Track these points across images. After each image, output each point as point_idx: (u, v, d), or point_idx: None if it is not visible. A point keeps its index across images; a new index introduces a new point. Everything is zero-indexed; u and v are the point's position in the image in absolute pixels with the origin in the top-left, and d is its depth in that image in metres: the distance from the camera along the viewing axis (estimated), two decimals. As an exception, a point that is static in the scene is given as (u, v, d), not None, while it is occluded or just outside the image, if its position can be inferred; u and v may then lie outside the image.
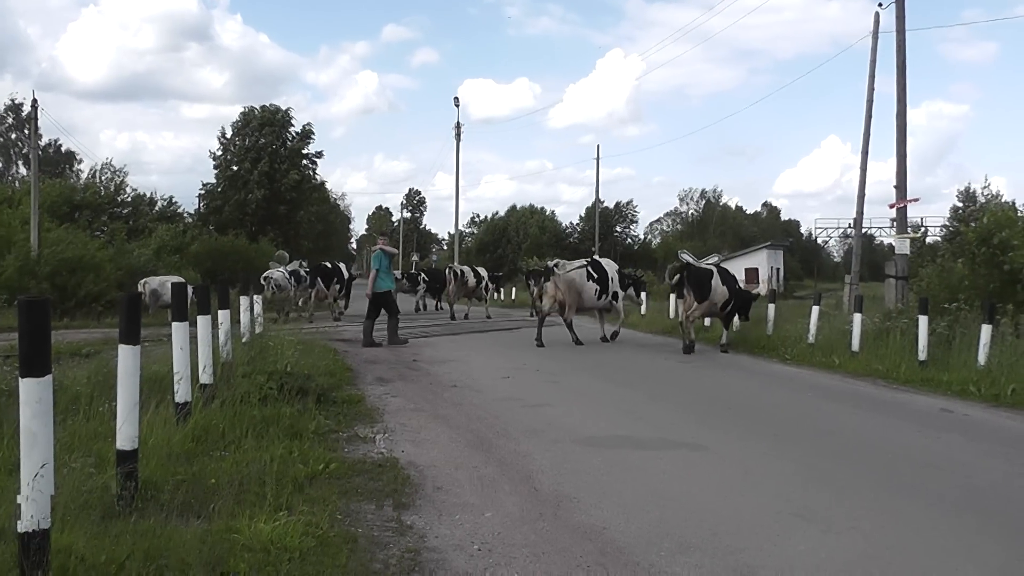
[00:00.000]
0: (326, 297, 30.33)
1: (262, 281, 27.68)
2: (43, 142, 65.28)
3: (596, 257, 24.20)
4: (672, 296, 26.05)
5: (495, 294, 39.42)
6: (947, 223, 59.98)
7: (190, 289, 9.25)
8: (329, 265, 31.27)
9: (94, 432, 7.30)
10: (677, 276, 19.69)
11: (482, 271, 33.17)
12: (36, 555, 4.13)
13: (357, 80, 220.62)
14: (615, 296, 21.00)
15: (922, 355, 14.60)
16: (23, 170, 76.19)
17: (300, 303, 30.14)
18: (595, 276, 20.38)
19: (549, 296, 20.05)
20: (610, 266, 21.40)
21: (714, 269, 19.07)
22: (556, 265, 20.37)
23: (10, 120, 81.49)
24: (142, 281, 26.69)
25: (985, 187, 78.62)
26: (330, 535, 5.35)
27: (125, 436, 5.78)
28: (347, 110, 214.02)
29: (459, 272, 31.24)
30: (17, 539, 4.18)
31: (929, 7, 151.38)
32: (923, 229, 52.07)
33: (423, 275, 39.44)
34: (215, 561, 4.81)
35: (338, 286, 30.10)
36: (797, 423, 10.35)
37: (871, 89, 28.14)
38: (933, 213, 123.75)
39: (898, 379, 13.95)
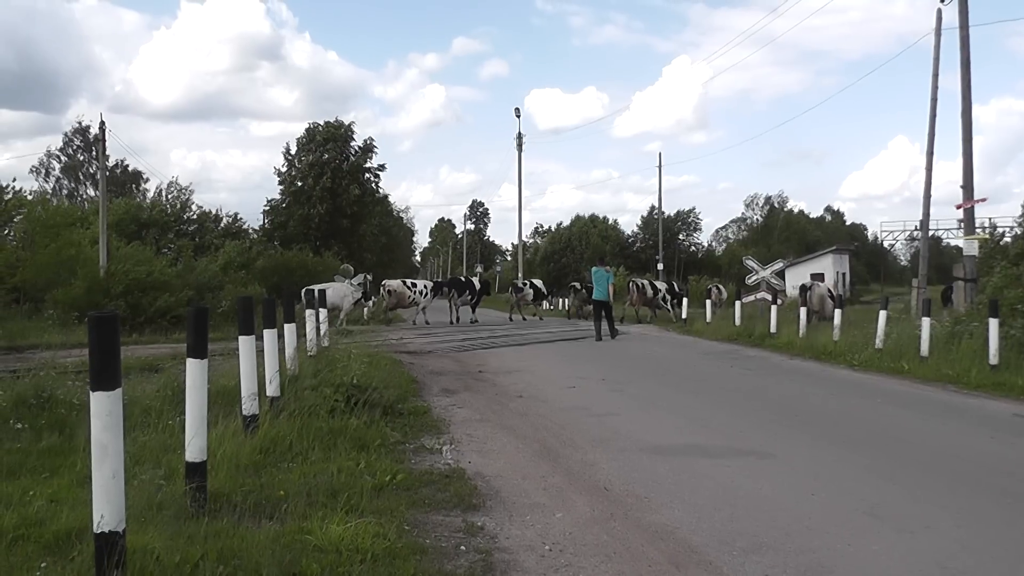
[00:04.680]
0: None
1: (380, 288, 31.83)
2: (110, 163, 66.47)
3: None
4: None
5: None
6: (1017, 222, 58.42)
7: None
8: (463, 279, 37.93)
9: (164, 444, 7.44)
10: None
11: (660, 284, 37.20)
12: (113, 555, 4.21)
13: (424, 94, 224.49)
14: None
15: (993, 359, 14.32)
16: (91, 191, 77.75)
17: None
18: (831, 293, 27.73)
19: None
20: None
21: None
22: (812, 286, 27.00)
23: (77, 142, 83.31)
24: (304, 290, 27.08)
25: (1060, 185, 76.58)
26: (398, 546, 5.34)
27: (194, 448, 5.86)
28: (414, 124, 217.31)
29: (640, 285, 34.58)
30: (94, 540, 4.27)
31: (995, 1, 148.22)
32: (999, 231, 50.64)
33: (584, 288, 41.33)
34: (288, 562, 4.87)
35: (468, 295, 34.26)
36: (866, 429, 10.19)
37: (935, 88, 27.80)
38: (1004, 213, 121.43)
39: (969, 384, 13.68)
